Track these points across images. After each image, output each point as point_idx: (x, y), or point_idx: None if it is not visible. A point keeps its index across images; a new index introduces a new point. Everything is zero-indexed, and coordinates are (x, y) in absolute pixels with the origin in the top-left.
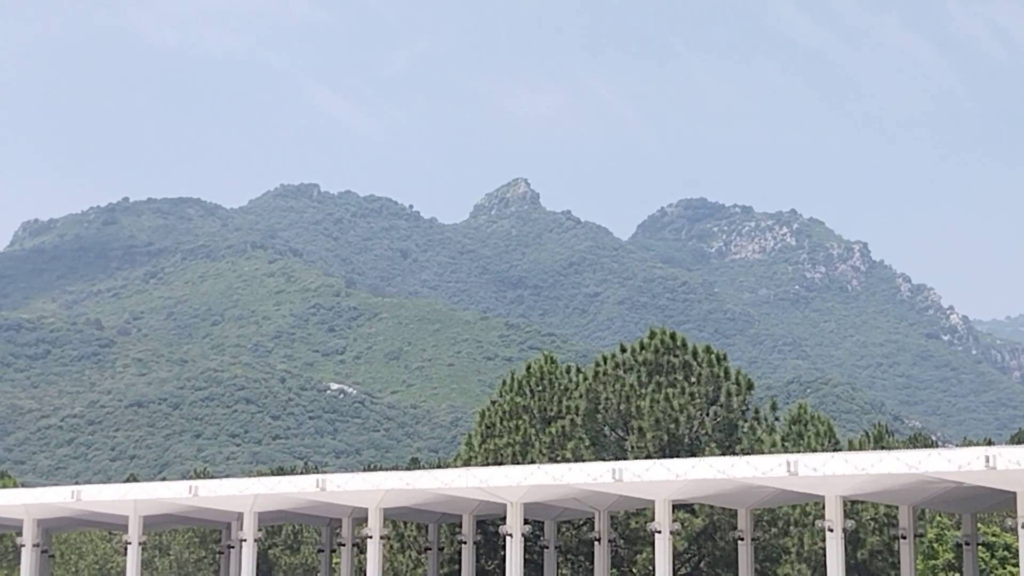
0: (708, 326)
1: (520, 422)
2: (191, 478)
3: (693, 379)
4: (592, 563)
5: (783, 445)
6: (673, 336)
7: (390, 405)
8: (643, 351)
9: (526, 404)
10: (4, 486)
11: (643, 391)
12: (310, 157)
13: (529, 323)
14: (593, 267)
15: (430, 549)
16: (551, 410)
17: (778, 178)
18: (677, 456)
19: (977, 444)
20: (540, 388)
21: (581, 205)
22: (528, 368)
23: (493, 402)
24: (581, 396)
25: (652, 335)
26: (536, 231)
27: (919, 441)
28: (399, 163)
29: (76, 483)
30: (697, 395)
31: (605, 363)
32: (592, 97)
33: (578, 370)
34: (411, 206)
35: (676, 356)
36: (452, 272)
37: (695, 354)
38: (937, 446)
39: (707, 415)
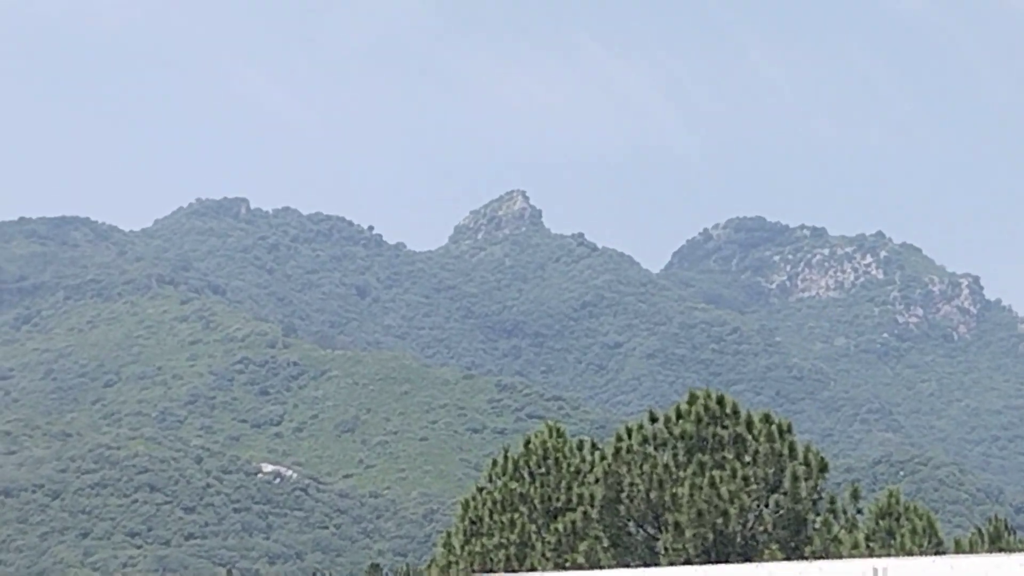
0: (767, 387)
1: (516, 516)
2: None
3: (748, 458)
4: None
5: (868, 546)
6: (721, 401)
7: (342, 493)
8: (680, 421)
9: (524, 492)
10: None
11: (681, 474)
12: (236, 163)
13: (528, 383)
14: (614, 308)
15: None
16: (557, 499)
17: (859, 191)
18: (726, 561)
19: None
20: (543, 471)
21: (597, 226)
22: (527, 444)
23: (480, 489)
24: (597, 481)
25: (692, 399)
26: (538, 261)
27: None
28: (355, 171)
29: None
30: (753, 479)
31: (629, 437)
32: (611, 85)
33: (594, 446)
34: (371, 228)
35: (725, 427)
36: (426, 315)
37: (750, 425)
38: None
39: (766, 506)
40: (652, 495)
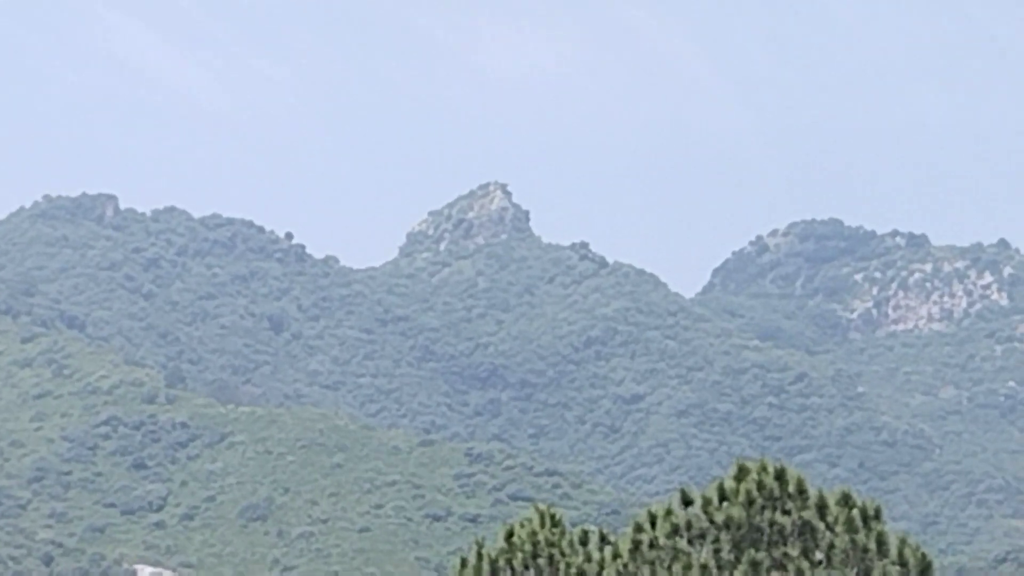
0: (847, 456)
1: None
2: None
3: (819, 556)
4: None
5: None
6: (781, 475)
7: None
8: (725, 504)
9: None
10: None
11: None
12: (99, 149)
13: (512, 451)
14: (631, 348)
15: None
16: None
17: (974, 187)
18: None
19: None
20: (533, 574)
21: (607, 234)
22: (510, 536)
23: None
24: None
25: (741, 474)
26: (524, 281)
27: None
28: (268, 159)
29: None
30: None
31: (653, 526)
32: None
33: (604, 539)
34: (289, 236)
35: (787, 513)
36: (368, 358)
37: (822, 509)
38: None
39: None
40: None
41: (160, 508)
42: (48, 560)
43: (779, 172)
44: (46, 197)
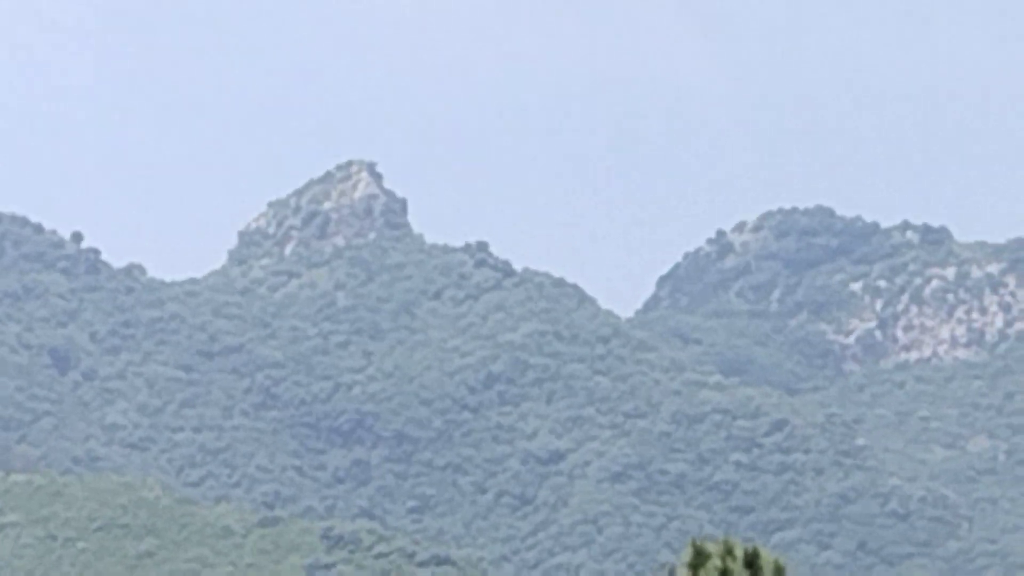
0: (843, 534)
1: None
2: None
3: None
4: None
5: None
6: (753, 561)
7: None
8: None
9: None
10: None
11: None
12: None
13: (386, 531)
14: (547, 388)
15: None
16: None
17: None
18: None
19: None
20: None
21: (513, 232)
22: None
23: None
24: None
25: (700, 558)
26: (400, 297)
27: None
28: (48, 137)
29: None
30: None
31: None
32: None
33: None
34: (77, 237)
35: None
36: (187, 404)
37: None
38: None
39: None
40: None
41: None
42: None
43: (748, 143)
44: None
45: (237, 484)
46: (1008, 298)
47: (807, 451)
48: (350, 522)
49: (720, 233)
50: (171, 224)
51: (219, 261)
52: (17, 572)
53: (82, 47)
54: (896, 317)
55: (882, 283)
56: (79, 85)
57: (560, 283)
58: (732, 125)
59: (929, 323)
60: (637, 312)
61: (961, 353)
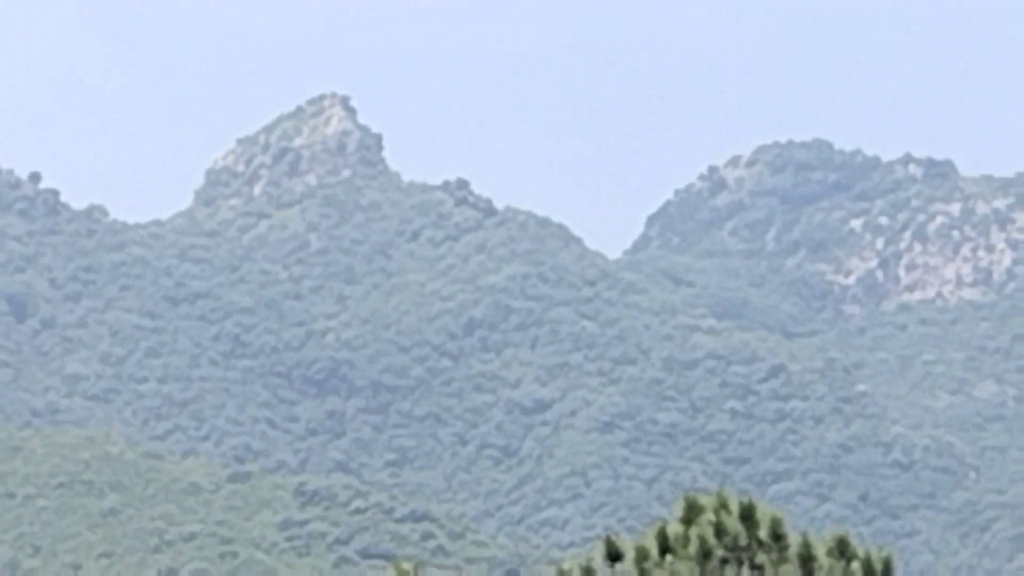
0: (843, 485)
1: None
2: None
3: None
4: None
5: None
6: (749, 513)
7: None
8: (669, 558)
9: None
10: None
11: None
12: None
13: (362, 487)
14: (531, 332)
15: None
16: None
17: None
18: None
19: None
20: None
21: (492, 168)
22: None
23: None
24: None
25: (693, 512)
26: (376, 238)
27: None
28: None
29: None
30: None
31: None
32: None
33: None
34: (35, 177)
35: (757, 567)
36: (151, 354)
37: (808, 561)
38: None
39: None
40: None
41: None
42: None
43: (742, 73)
44: None
45: (206, 437)
46: (1016, 235)
47: (805, 398)
48: (324, 477)
49: (712, 169)
50: (134, 163)
51: (185, 202)
52: None
53: None
54: (898, 256)
55: (883, 220)
56: (38, 18)
57: (545, 222)
58: (725, 54)
59: (933, 262)
60: (625, 252)
61: (967, 293)
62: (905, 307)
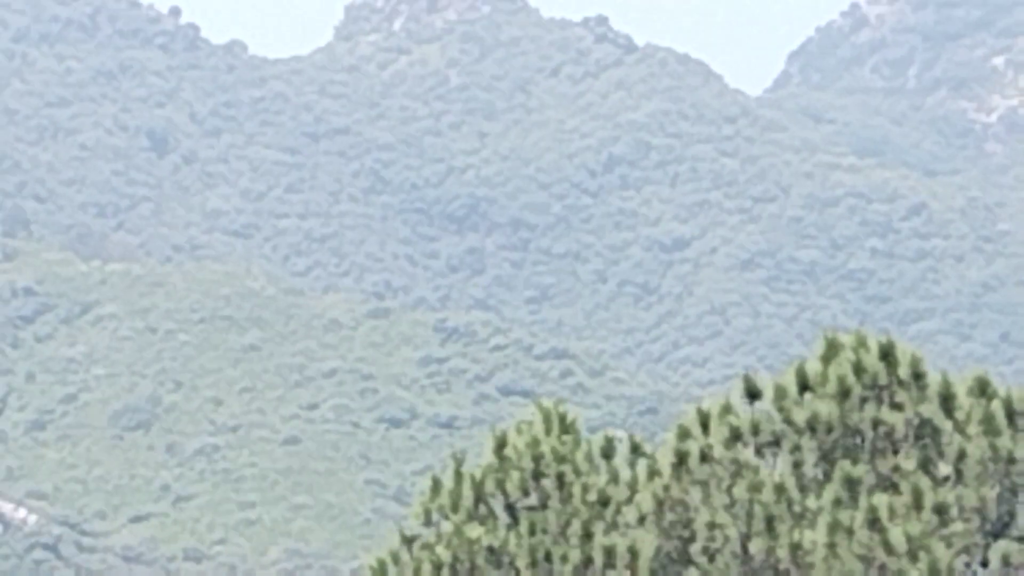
0: (984, 324)
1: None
2: None
3: (945, 469)
4: None
5: None
6: (889, 352)
7: (127, 553)
8: (808, 396)
9: (498, 545)
10: None
11: (811, 504)
12: None
13: (502, 324)
14: (671, 169)
15: None
16: (565, 559)
17: None
18: None
19: None
20: (536, 500)
21: (632, 3)
22: (501, 446)
23: (408, 540)
24: (644, 519)
25: (832, 351)
26: (515, 75)
27: None
28: None
29: None
30: (957, 511)
31: (706, 431)
32: None
33: (636, 449)
34: (175, 11)
35: (897, 407)
36: (292, 189)
37: (948, 401)
38: None
39: (983, 566)
40: (753, 545)
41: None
42: None
43: None
44: None
45: (346, 273)
46: None
47: (946, 236)
48: (464, 313)
49: (854, 5)
50: None
51: (324, 37)
52: (115, 366)
53: None
54: None
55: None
56: None
57: (684, 59)
58: None
59: None
60: (766, 90)
61: None
62: None
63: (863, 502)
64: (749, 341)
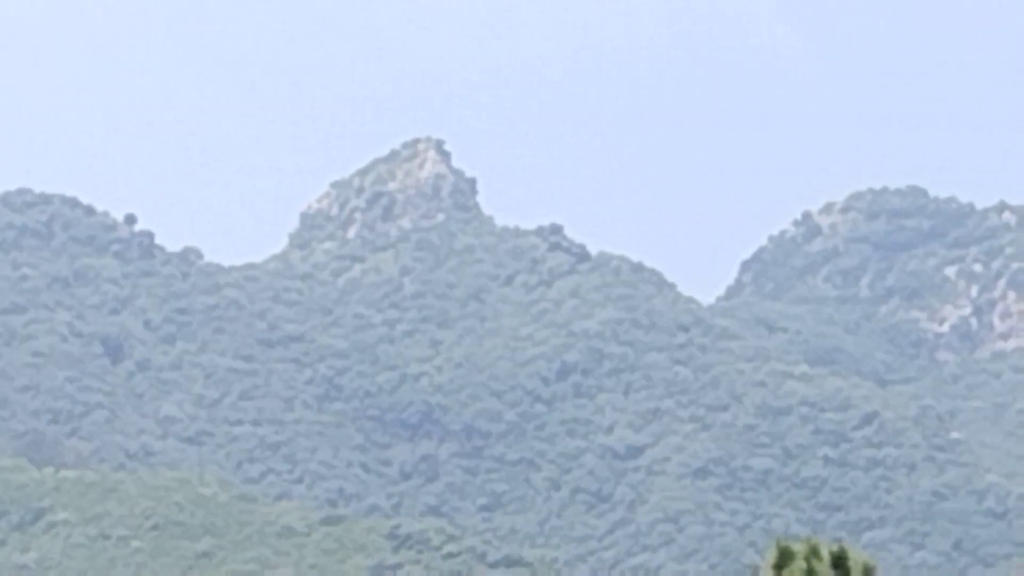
0: (938, 533)
1: None
2: None
3: None
4: None
5: None
6: (841, 561)
7: None
8: None
9: None
10: None
11: None
12: None
13: (455, 530)
14: (623, 378)
15: None
16: None
17: None
18: None
19: None
20: None
21: (586, 214)
22: None
23: None
24: None
25: (785, 559)
26: (470, 282)
27: None
28: (98, 115)
29: None
30: None
31: None
32: None
33: None
34: (130, 219)
35: None
36: (244, 397)
37: None
38: None
39: None
40: None
41: None
42: None
43: (836, 120)
44: None
45: (299, 480)
46: None
47: (899, 445)
48: (418, 521)
49: (806, 215)
50: (229, 206)
51: (279, 245)
52: (68, 572)
53: (132, 23)
54: (993, 304)
55: (978, 267)
56: (131, 62)
57: (638, 268)
58: (818, 101)
59: None
60: (719, 298)
61: None
62: (999, 355)
63: None
64: (702, 549)
